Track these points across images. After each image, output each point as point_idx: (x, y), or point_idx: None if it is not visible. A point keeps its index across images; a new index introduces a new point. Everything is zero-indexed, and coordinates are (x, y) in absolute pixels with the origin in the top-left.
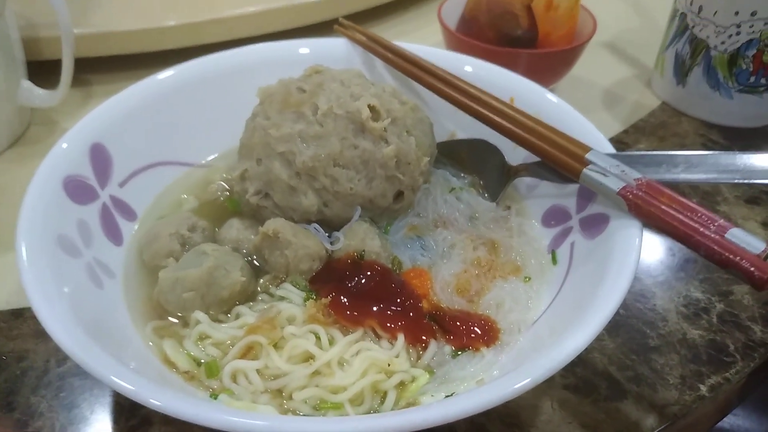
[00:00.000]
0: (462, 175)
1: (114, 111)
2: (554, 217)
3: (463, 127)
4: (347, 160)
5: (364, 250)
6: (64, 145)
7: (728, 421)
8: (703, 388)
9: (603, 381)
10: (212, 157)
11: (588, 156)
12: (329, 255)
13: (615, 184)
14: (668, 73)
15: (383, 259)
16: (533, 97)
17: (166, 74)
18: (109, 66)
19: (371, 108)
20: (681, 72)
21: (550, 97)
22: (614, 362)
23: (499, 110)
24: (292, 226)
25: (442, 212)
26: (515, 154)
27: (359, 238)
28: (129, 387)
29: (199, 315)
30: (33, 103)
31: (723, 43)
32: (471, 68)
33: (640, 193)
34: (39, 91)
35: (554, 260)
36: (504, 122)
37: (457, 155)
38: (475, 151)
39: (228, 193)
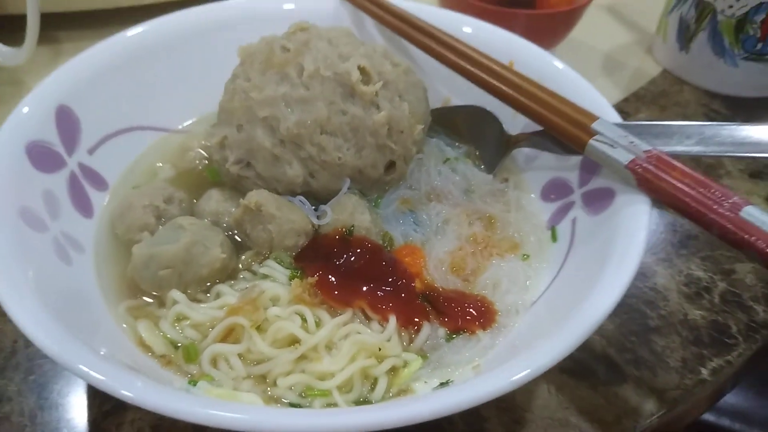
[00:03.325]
0: (457, 144)
1: (81, 70)
2: (554, 190)
3: (458, 92)
4: (335, 127)
5: (353, 226)
6: (26, 108)
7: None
8: (705, 372)
9: (602, 364)
10: (190, 121)
11: (594, 126)
12: (316, 230)
13: (623, 157)
14: (671, 39)
15: (373, 235)
16: (534, 61)
17: (135, 31)
18: (80, 22)
19: (361, 70)
20: (685, 37)
21: (553, 61)
22: (613, 344)
23: (498, 74)
24: (275, 199)
25: (436, 184)
26: (514, 123)
27: (348, 212)
28: (99, 377)
29: (176, 294)
30: None
31: (731, 6)
32: (470, 29)
33: (650, 167)
34: (3, 48)
35: (554, 237)
36: (503, 87)
37: (452, 123)
38: (472, 119)
39: (207, 162)
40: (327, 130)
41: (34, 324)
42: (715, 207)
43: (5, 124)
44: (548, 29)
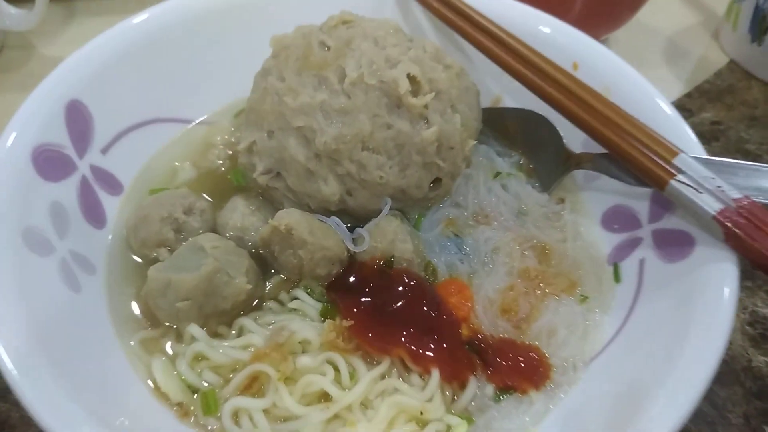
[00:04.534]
0: (509, 151)
1: (93, 60)
2: (618, 219)
3: (511, 91)
4: (378, 143)
5: (393, 256)
6: (32, 107)
7: None
8: None
9: None
10: (214, 111)
11: (676, 162)
12: (351, 255)
13: (711, 206)
14: (742, 28)
15: (415, 266)
16: (602, 66)
17: (152, 12)
18: None
19: (411, 78)
20: (759, 28)
21: (625, 68)
22: None
23: (559, 83)
24: (308, 221)
25: (485, 203)
26: (575, 134)
27: (388, 240)
28: None
29: (195, 330)
30: (4, 24)
31: None
32: (529, 22)
33: (741, 221)
34: (12, 11)
35: (617, 276)
36: (565, 100)
37: (503, 127)
38: (527, 125)
39: (231, 160)
40: (369, 146)
41: (37, 397)
42: None
43: (7, 128)
44: (611, 12)
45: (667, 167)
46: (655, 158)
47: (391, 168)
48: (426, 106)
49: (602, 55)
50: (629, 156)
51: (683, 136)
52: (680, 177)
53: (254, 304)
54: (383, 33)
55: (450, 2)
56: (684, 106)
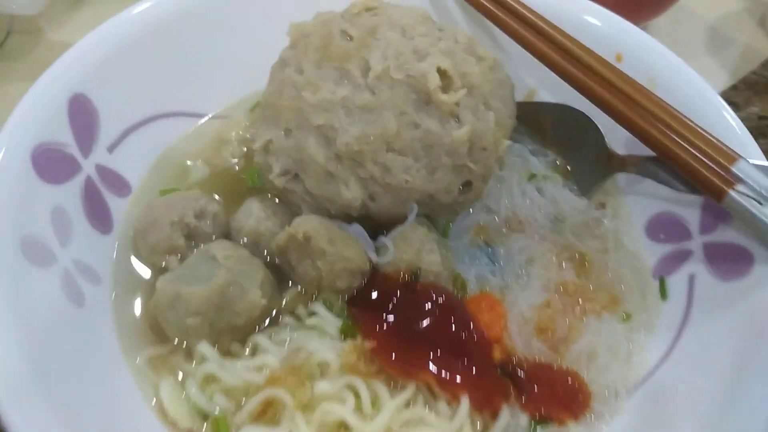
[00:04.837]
0: (544, 150)
1: (97, 51)
2: (665, 228)
3: (547, 84)
4: (405, 144)
5: (420, 268)
6: (32, 102)
7: None
8: None
9: None
10: (227, 105)
11: (736, 170)
12: (373, 266)
13: None
14: None
15: (443, 279)
16: (648, 57)
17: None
18: None
19: (441, 73)
20: None
21: (672, 60)
22: None
23: (601, 76)
24: (327, 229)
25: (518, 208)
26: (616, 133)
27: (414, 250)
28: None
29: (206, 349)
30: (11, 9)
31: None
32: (588, 15)
33: None
34: None
35: (663, 293)
36: (615, 101)
37: (538, 123)
38: (564, 121)
39: (246, 158)
40: (394, 148)
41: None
42: None
43: (6, 127)
44: None
45: (726, 175)
46: (712, 165)
47: (418, 171)
48: (457, 104)
49: (649, 46)
50: (682, 161)
51: (738, 137)
52: (740, 187)
53: (270, 318)
54: (411, 21)
55: None
56: (729, 100)
